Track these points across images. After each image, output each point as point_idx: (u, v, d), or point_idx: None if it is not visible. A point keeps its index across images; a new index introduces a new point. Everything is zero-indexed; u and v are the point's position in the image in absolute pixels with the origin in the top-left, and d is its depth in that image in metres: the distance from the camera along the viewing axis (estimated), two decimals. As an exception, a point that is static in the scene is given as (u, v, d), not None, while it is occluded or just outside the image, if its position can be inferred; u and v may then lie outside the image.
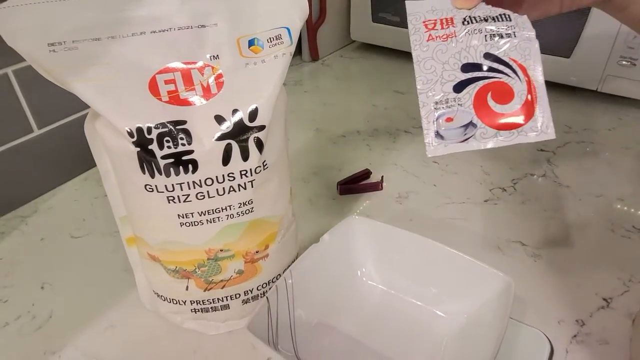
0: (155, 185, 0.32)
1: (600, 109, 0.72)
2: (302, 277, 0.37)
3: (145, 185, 0.32)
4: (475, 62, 0.28)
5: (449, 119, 0.28)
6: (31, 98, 0.52)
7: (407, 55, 0.88)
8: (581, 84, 0.73)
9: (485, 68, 0.28)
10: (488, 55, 0.28)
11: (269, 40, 0.33)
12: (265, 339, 0.33)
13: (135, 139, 0.30)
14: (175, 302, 0.39)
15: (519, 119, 0.28)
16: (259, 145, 0.33)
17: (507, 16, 0.29)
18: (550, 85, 0.76)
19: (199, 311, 0.39)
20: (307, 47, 0.89)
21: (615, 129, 0.68)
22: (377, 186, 0.57)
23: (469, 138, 0.28)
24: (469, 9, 0.28)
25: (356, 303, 0.40)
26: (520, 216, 0.53)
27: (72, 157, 0.58)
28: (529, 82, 0.29)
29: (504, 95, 0.28)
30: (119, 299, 0.43)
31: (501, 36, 0.28)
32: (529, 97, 0.28)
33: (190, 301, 0.38)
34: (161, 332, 0.40)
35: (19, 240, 0.51)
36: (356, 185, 0.57)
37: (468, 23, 0.28)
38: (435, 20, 0.28)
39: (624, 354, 0.38)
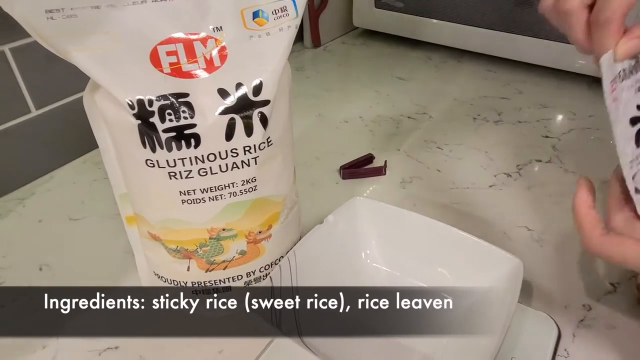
0: (157, 160, 0.31)
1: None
2: (306, 257, 0.36)
3: (146, 160, 0.31)
4: (637, 115, 0.28)
5: None
6: (29, 77, 0.50)
7: (409, 42, 0.87)
8: (587, 71, 0.72)
9: None
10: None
11: (274, 12, 0.32)
12: (269, 320, 0.32)
13: (136, 111, 0.29)
14: (176, 283, 0.38)
15: None
16: (263, 120, 0.32)
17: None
18: (555, 71, 0.76)
19: (200, 292, 0.38)
20: (309, 34, 0.88)
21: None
22: (380, 171, 0.56)
23: None
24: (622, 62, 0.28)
25: (360, 285, 0.39)
26: (526, 201, 0.52)
27: (71, 139, 0.57)
28: None
29: None
30: (119, 281, 0.43)
31: None
32: None
33: (192, 282, 0.38)
34: (161, 314, 0.40)
35: (16, 222, 0.50)
36: (359, 169, 0.56)
37: (622, 79, 0.28)
38: (613, 82, 0.28)
39: (632, 339, 0.37)
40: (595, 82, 0.74)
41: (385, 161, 0.57)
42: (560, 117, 0.67)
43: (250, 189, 0.34)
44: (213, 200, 0.33)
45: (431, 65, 0.83)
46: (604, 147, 0.60)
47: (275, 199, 0.36)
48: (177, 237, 0.35)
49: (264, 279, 0.39)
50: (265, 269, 0.39)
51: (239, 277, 0.38)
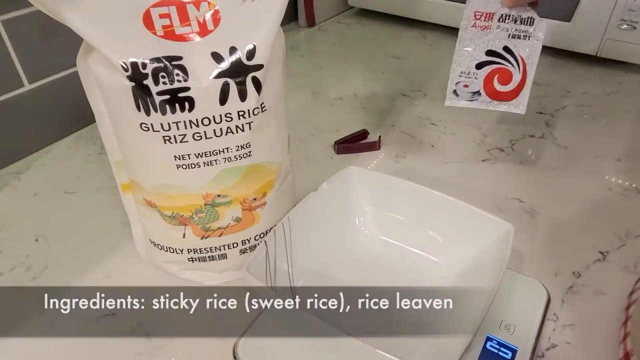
0: (151, 124, 0.31)
1: (600, 74, 0.71)
2: (300, 223, 0.37)
3: (141, 124, 0.31)
4: (496, 50, 0.40)
5: (466, 85, 0.42)
6: (22, 51, 0.50)
7: (404, 21, 0.87)
8: (581, 49, 0.73)
9: (500, 56, 0.41)
10: (506, 48, 0.40)
11: (267, -24, 0.32)
12: (263, 283, 0.33)
13: (129, 73, 0.29)
14: (172, 250, 0.38)
15: (508, 96, 0.43)
16: (257, 85, 0.32)
17: (531, 20, 0.39)
18: (550, 49, 0.76)
19: (196, 260, 0.39)
20: (304, 13, 0.87)
21: (614, 93, 0.67)
22: (374, 146, 0.56)
23: (473, 100, 0.43)
24: (510, 8, 0.39)
25: (354, 251, 0.39)
26: (518, 175, 0.52)
27: (66, 115, 0.57)
28: (524, 74, 0.41)
29: (505, 78, 0.41)
30: (115, 251, 0.43)
31: (519, 37, 0.40)
32: (519, 83, 0.41)
33: (187, 250, 0.38)
34: (158, 282, 0.40)
35: (11, 195, 0.50)
36: (353, 144, 0.57)
37: (502, 21, 0.39)
38: (482, 13, 0.39)
39: (619, 304, 0.38)
40: (589, 59, 0.74)
41: (380, 136, 0.57)
42: (553, 94, 0.68)
43: (245, 155, 0.34)
44: (208, 165, 0.34)
45: (426, 44, 0.83)
46: (597, 124, 0.61)
47: (270, 166, 0.36)
48: (172, 203, 0.35)
49: (259, 247, 0.39)
50: (260, 237, 0.39)
51: (235, 245, 0.38)
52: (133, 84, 0.29)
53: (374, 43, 0.84)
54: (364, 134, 0.58)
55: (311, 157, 0.55)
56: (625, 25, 0.67)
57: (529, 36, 0.40)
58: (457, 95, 0.42)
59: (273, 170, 0.37)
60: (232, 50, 0.31)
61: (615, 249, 0.43)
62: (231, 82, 0.31)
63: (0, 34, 0.48)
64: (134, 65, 0.29)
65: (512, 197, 0.49)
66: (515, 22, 0.39)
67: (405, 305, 0.36)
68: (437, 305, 0.35)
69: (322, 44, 0.84)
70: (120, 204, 0.41)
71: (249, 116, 0.33)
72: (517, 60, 0.40)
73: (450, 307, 0.35)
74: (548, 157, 0.55)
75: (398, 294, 0.36)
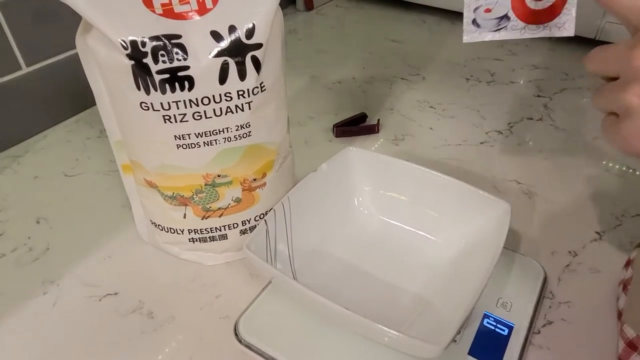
0: (151, 103, 0.31)
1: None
2: (299, 203, 0.37)
3: (141, 103, 0.31)
4: None
5: (488, 10, 0.31)
6: (19, 34, 0.50)
7: (402, 5, 0.87)
8: (580, 32, 0.72)
9: None
10: None
11: (266, -46, 0.32)
12: (264, 259, 0.33)
13: (129, 51, 0.29)
14: (172, 231, 0.39)
15: (548, 16, 0.31)
16: (256, 64, 0.32)
17: None
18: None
19: (196, 241, 0.39)
20: (302, -4, 0.87)
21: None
22: (373, 129, 0.56)
23: (501, 29, 0.32)
24: None
25: (353, 231, 0.40)
26: (516, 157, 0.53)
27: (64, 98, 0.57)
28: None
29: None
30: (117, 232, 0.43)
31: None
32: None
33: (188, 230, 0.38)
34: (159, 262, 0.41)
35: (11, 178, 0.50)
36: (352, 127, 0.57)
37: None
38: None
39: (615, 281, 0.39)
40: (587, 43, 0.74)
41: (379, 119, 0.57)
42: (552, 77, 0.68)
43: (245, 135, 0.34)
44: (208, 145, 0.34)
45: (425, 28, 0.83)
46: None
47: (269, 147, 0.37)
48: (172, 183, 0.35)
49: (259, 228, 0.40)
50: (260, 218, 0.40)
51: (235, 225, 0.39)
52: (132, 62, 0.29)
53: (372, 26, 0.84)
54: (362, 116, 0.58)
55: (310, 140, 0.55)
56: None
57: None
58: (477, 26, 0.32)
59: (273, 151, 0.37)
60: (232, 28, 0.31)
61: (612, 229, 0.44)
62: (230, 61, 0.31)
63: (-3, 16, 0.48)
64: (133, 43, 0.29)
65: (510, 179, 0.50)
66: None
67: (404, 282, 0.36)
68: (435, 283, 0.36)
69: (320, 28, 0.84)
70: (120, 187, 0.41)
71: (249, 96, 0.33)
72: None
73: (448, 284, 0.35)
74: (546, 139, 0.56)
75: (396, 272, 0.37)
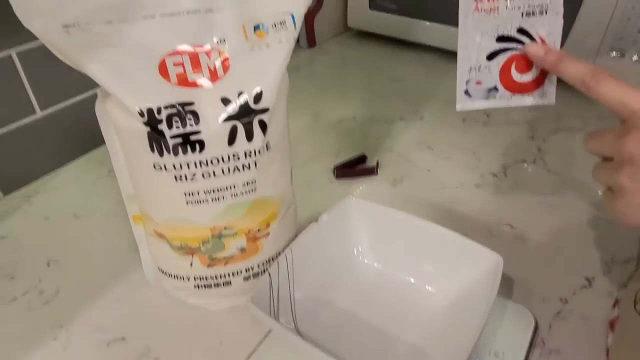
0: (164, 164, 0.33)
1: (591, 99, 0.74)
2: (301, 254, 0.39)
3: (154, 164, 0.33)
4: (510, 35, 0.33)
5: (478, 83, 0.34)
6: (34, 80, 0.52)
7: (403, 44, 0.90)
8: (572, 74, 0.75)
9: (516, 41, 0.33)
10: (521, 30, 0.33)
11: (274, 26, 0.34)
12: (267, 312, 0.35)
13: (145, 119, 0.31)
14: (179, 278, 0.40)
15: (532, 86, 0.35)
16: (263, 126, 0.34)
17: None
18: (542, 74, 0.79)
19: (202, 287, 0.41)
20: (305, 34, 0.90)
21: (605, 118, 0.70)
22: (372, 171, 0.58)
23: (490, 98, 0.35)
24: None
25: (352, 280, 0.41)
26: (510, 200, 0.55)
27: (74, 139, 0.59)
28: None
29: (525, 66, 0.34)
30: (124, 275, 0.45)
31: (534, 14, 0.33)
32: (543, 69, 0.34)
33: (194, 277, 0.40)
34: (165, 306, 0.42)
35: (23, 219, 0.52)
36: (352, 169, 0.59)
37: None
38: None
39: (603, 329, 0.40)
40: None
41: (377, 161, 0.59)
42: (546, 119, 0.70)
43: (250, 190, 0.36)
44: (215, 200, 0.36)
45: (424, 66, 0.85)
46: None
47: (274, 199, 0.39)
48: (181, 235, 0.37)
49: (262, 274, 0.41)
50: (264, 265, 0.41)
51: (239, 273, 0.40)
52: (148, 128, 0.31)
53: (373, 64, 0.87)
54: (362, 158, 0.60)
55: (311, 182, 0.57)
56: (614, 53, 0.69)
57: (546, 10, 0.33)
58: (469, 95, 0.35)
59: (276, 203, 0.39)
60: (240, 94, 0.33)
61: (601, 275, 0.45)
62: (239, 124, 0.33)
63: (14, 64, 0.50)
64: (150, 111, 0.31)
65: (504, 223, 0.51)
66: None
67: (402, 331, 0.38)
68: (431, 333, 0.37)
69: (322, 65, 0.87)
70: (127, 229, 0.42)
71: (255, 155, 0.35)
72: (535, 41, 0.34)
73: (443, 334, 0.37)
74: (539, 182, 0.58)
75: (393, 321, 0.39)
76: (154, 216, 0.37)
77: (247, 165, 0.35)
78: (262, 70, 0.34)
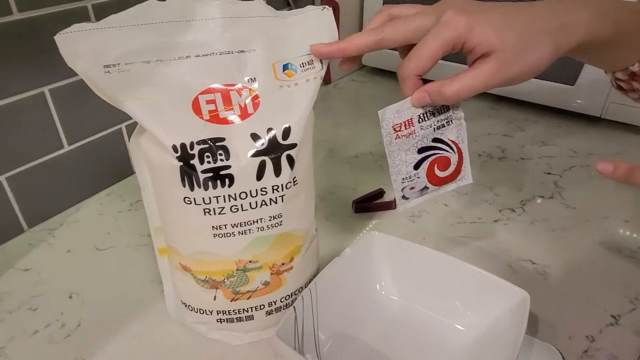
0: (194, 198, 0.34)
1: (605, 135, 0.75)
2: (325, 288, 0.39)
3: (184, 198, 0.34)
4: (428, 145, 0.40)
5: (412, 188, 0.41)
6: (64, 116, 0.54)
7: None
8: (585, 110, 0.76)
9: (433, 148, 0.40)
10: (436, 139, 0.40)
11: (302, 65, 0.36)
12: (292, 347, 0.34)
13: (179, 154, 0.32)
14: (202, 312, 0.40)
15: (452, 176, 0.42)
16: (291, 162, 0.35)
17: (446, 107, 0.39)
18: (556, 110, 0.80)
19: (224, 321, 0.41)
20: (320, 71, 0.92)
21: (619, 154, 0.70)
22: (390, 205, 0.59)
23: (424, 194, 0.42)
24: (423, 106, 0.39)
25: (376, 315, 0.41)
26: (530, 236, 0.55)
27: (98, 173, 0.60)
28: (459, 152, 0.41)
29: (445, 165, 0.41)
30: (145, 308, 0.45)
31: (443, 126, 0.40)
32: (458, 162, 0.41)
33: (217, 311, 0.40)
34: (186, 340, 0.42)
35: (46, 251, 0.52)
36: (371, 203, 0.59)
37: (422, 120, 0.39)
38: (400, 123, 0.39)
39: (634, 369, 0.39)
40: (593, 121, 0.77)
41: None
42: (561, 154, 0.71)
43: (276, 224, 0.37)
44: (242, 234, 0.36)
45: (436, 102, 0.87)
46: (603, 184, 0.63)
47: (298, 233, 0.39)
48: (206, 268, 0.38)
49: (284, 309, 0.41)
50: (286, 299, 0.41)
51: (262, 307, 0.40)
52: (181, 163, 0.32)
53: (387, 101, 0.87)
54: (380, 192, 0.61)
55: (331, 216, 0.58)
56: (626, 90, 0.70)
57: (451, 120, 0.39)
58: (407, 198, 0.41)
59: (300, 237, 0.39)
60: (269, 130, 0.34)
61: (627, 312, 0.45)
62: (267, 159, 0.34)
63: (47, 101, 0.52)
64: (183, 147, 0.32)
65: (524, 259, 0.51)
66: (434, 114, 0.39)
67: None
68: (458, 371, 0.37)
69: (337, 102, 0.89)
70: (148, 261, 0.43)
71: (282, 190, 0.35)
72: (449, 145, 0.40)
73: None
74: (558, 217, 0.57)
75: (417, 358, 0.38)
76: (180, 249, 0.37)
77: (274, 200, 0.36)
78: (291, 107, 0.35)
